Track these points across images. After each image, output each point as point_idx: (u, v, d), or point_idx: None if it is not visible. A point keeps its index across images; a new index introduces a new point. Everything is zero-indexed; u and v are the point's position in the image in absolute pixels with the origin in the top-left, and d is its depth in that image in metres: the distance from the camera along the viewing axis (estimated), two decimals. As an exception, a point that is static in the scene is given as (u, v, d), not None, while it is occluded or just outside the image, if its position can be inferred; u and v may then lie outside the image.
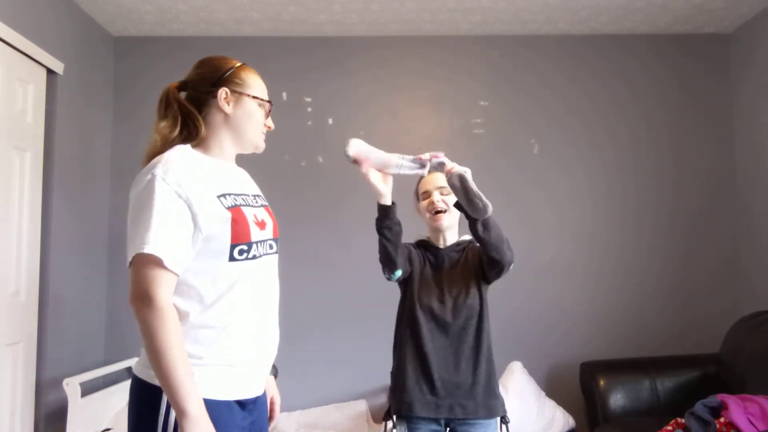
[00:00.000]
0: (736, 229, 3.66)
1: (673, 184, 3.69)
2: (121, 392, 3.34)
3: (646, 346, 3.53)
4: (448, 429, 1.94)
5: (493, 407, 1.93)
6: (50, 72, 3.09)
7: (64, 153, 3.19)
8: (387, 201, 1.85)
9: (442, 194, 2.01)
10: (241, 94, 1.50)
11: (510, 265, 1.89)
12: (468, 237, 2.02)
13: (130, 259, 1.33)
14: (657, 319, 3.61)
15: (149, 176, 1.36)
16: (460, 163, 1.82)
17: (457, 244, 2.06)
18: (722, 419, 2.33)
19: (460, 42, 3.77)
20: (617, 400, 3.06)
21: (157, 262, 1.30)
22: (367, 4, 3.35)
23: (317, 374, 3.55)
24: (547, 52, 3.76)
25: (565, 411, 3.33)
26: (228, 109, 1.49)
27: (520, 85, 3.75)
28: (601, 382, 3.11)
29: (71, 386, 2.88)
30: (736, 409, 2.33)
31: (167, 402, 1.32)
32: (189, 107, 1.48)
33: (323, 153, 3.72)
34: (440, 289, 1.97)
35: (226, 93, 1.49)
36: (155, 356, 1.29)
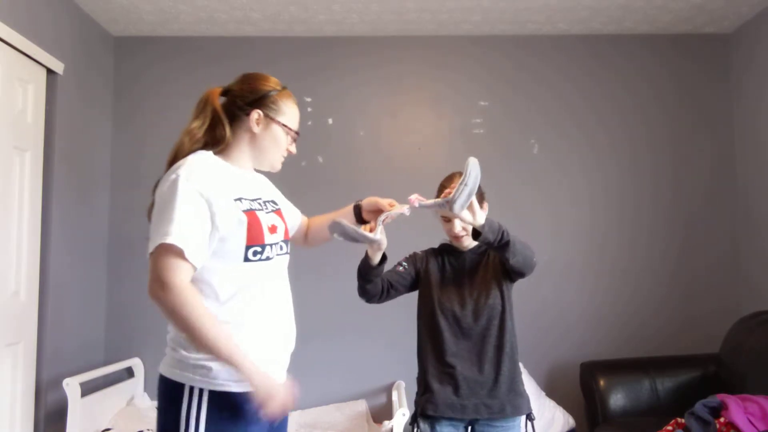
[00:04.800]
0: (736, 228, 3.66)
1: (673, 184, 3.69)
2: (121, 392, 3.34)
3: (646, 346, 3.53)
4: (469, 428, 1.97)
5: (519, 405, 1.96)
6: (50, 72, 3.09)
7: (64, 153, 3.19)
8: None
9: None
10: (272, 119, 1.57)
11: (535, 266, 1.94)
12: None
13: (151, 249, 1.39)
14: (657, 319, 3.61)
15: (174, 176, 1.42)
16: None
17: (479, 245, 2.08)
18: (722, 419, 2.33)
19: (461, 42, 3.77)
20: (617, 400, 3.06)
21: (177, 252, 1.36)
22: (367, 4, 3.36)
23: (317, 374, 3.55)
24: (547, 52, 3.76)
25: (565, 411, 3.33)
26: (256, 129, 1.56)
27: (520, 86, 3.75)
28: (601, 382, 3.12)
29: (71, 386, 2.88)
30: (736, 409, 2.33)
31: (188, 397, 1.41)
32: (222, 116, 1.54)
33: (323, 153, 3.71)
34: (461, 293, 2.00)
35: (259, 115, 1.55)
36: (190, 334, 1.38)
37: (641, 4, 3.37)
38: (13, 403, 2.80)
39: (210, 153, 1.53)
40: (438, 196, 1.98)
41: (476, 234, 1.80)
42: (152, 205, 1.48)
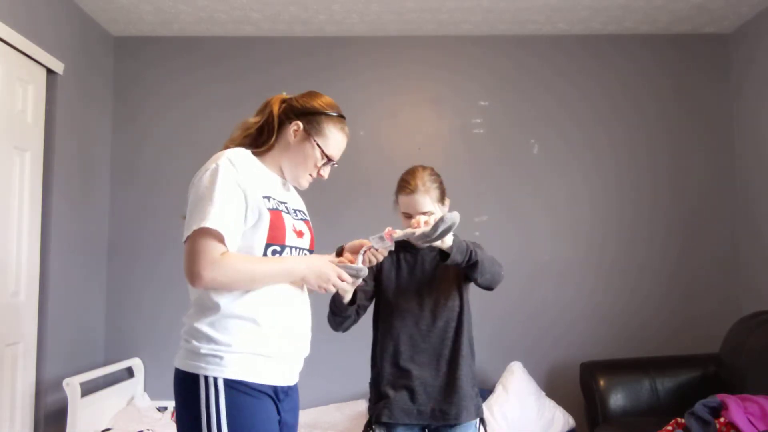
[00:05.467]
0: (736, 228, 3.66)
1: (673, 184, 3.69)
2: (121, 392, 3.34)
3: (646, 346, 3.53)
4: (426, 430, 1.91)
5: (473, 409, 1.91)
6: (50, 72, 3.09)
7: (64, 153, 3.19)
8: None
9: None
10: (309, 136, 1.61)
11: (502, 280, 1.88)
12: None
13: (189, 233, 1.43)
14: (657, 319, 3.61)
15: (214, 166, 1.48)
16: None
17: None
18: (722, 419, 2.33)
19: (461, 42, 3.77)
20: (617, 400, 3.06)
21: (216, 235, 1.42)
22: (367, 4, 3.35)
23: (317, 374, 3.54)
24: (547, 52, 3.76)
25: (565, 411, 3.33)
26: (291, 140, 1.61)
27: (520, 86, 3.75)
28: (601, 382, 3.11)
29: (71, 386, 2.88)
30: (736, 409, 2.33)
31: (205, 387, 1.43)
32: (275, 121, 1.62)
33: (323, 153, 3.71)
34: (419, 293, 1.92)
35: (298, 127, 1.61)
36: (254, 285, 1.46)
37: (641, 4, 3.37)
38: (13, 403, 2.80)
39: (248, 151, 1.58)
40: (398, 191, 1.92)
41: (444, 256, 1.74)
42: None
